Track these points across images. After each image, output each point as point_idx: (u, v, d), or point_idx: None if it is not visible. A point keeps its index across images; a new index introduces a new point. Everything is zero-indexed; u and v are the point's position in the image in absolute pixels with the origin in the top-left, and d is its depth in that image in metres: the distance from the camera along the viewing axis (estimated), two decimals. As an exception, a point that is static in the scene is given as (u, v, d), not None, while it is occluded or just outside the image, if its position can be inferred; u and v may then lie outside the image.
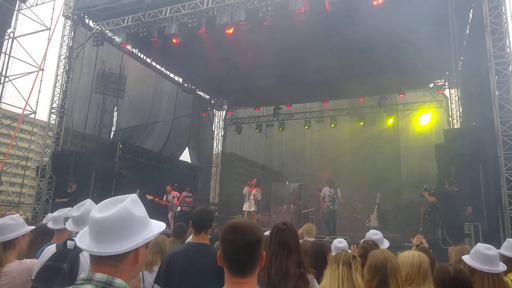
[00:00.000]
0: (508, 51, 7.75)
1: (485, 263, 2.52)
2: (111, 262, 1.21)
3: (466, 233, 7.33)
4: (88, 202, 2.40)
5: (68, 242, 2.14)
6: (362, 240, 3.72)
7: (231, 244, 1.43)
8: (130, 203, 1.27)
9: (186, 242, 3.09)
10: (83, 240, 1.25)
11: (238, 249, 1.41)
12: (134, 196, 1.31)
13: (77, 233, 2.20)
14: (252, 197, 11.35)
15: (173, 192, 12.05)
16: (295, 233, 2.61)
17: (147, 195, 11.38)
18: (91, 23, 12.91)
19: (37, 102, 12.81)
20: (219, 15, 10.24)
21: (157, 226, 1.34)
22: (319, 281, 2.62)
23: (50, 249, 2.30)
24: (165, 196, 11.99)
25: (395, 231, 10.91)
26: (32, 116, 13.07)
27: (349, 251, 3.15)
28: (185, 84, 17.35)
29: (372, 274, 2.27)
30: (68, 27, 12.72)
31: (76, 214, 2.33)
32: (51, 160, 11.96)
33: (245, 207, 11.28)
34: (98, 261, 1.22)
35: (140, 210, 1.30)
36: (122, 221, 1.23)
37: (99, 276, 1.19)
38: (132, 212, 1.26)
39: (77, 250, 2.08)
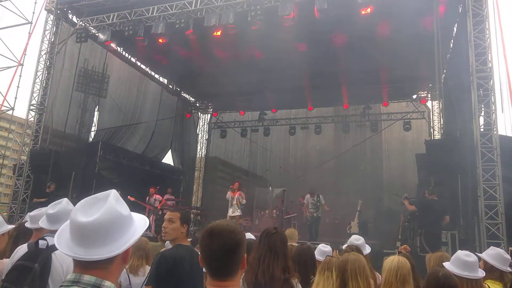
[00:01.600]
0: (490, 65, 7.95)
1: (465, 269, 2.57)
2: (101, 266, 1.15)
3: (443, 241, 7.47)
4: (65, 201, 2.35)
5: (40, 241, 2.08)
6: (345, 245, 3.75)
7: (207, 248, 1.40)
8: (114, 202, 1.20)
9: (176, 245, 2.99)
10: (63, 244, 1.17)
11: (214, 254, 1.39)
12: (115, 193, 1.24)
13: (50, 231, 2.20)
14: (235, 202, 11.26)
15: (155, 195, 11.83)
16: (285, 238, 2.63)
17: (129, 197, 11.14)
18: (74, 19, 12.60)
19: (16, 98, 12.39)
20: (207, 16, 10.18)
21: (141, 222, 1.29)
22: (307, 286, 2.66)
23: (22, 249, 2.24)
24: (147, 198, 11.75)
25: (375, 238, 11.01)
26: (10, 112, 12.64)
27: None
28: (170, 86, 17.19)
29: (336, 273, 2.36)
30: (50, 22, 12.39)
31: (52, 211, 2.27)
32: (29, 159, 11.61)
33: (230, 212, 11.18)
34: (86, 265, 1.15)
35: (124, 207, 1.24)
36: (110, 223, 1.16)
37: (87, 278, 1.14)
38: (119, 212, 1.19)
39: (50, 249, 2.03)
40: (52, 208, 2.29)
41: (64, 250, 1.16)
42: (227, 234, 1.40)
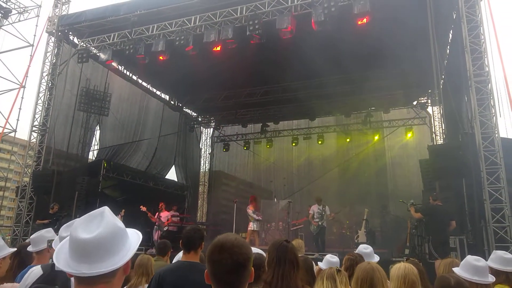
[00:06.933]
0: (487, 69, 7.99)
1: (475, 274, 2.55)
2: (105, 279, 1.18)
3: (452, 247, 7.39)
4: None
5: None
6: (348, 253, 3.75)
7: (218, 264, 1.37)
8: (111, 216, 1.25)
9: (176, 260, 3.08)
10: (64, 263, 1.19)
11: (227, 270, 1.36)
12: (108, 209, 1.29)
13: None
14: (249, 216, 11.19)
15: (165, 211, 11.77)
16: (296, 249, 2.60)
17: (141, 206, 11.12)
18: (75, 40, 12.81)
19: (18, 120, 12.46)
20: (207, 32, 10.33)
21: (134, 234, 1.33)
22: None
23: (35, 271, 2.22)
24: (156, 214, 11.66)
25: (383, 246, 10.90)
26: (12, 134, 12.73)
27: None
28: (171, 102, 17.32)
29: (360, 282, 2.29)
30: (51, 44, 12.60)
31: (65, 234, 2.21)
32: (32, 180, 11.61)
33: (250, 227, 11.09)
34: (90, 281, 1.17)
35: (119, 221, 1.28)
36: (111, 237, 1.21)
37: None
38: (117, 225, 1.24)
39: None
40: (65, 231, 2.25)
41: (65, 269, 1.18)
42: (238, 249, 1.39)
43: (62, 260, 1.21)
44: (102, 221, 1.21)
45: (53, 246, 2.34)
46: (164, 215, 11.65)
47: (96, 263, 1.16)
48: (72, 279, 1.95)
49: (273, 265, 2.31)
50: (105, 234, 1.19)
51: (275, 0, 9.81)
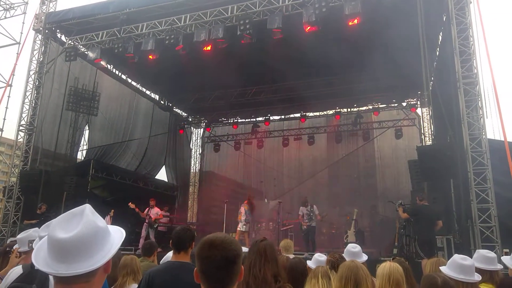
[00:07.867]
0: (476, 71, 8.08)
1: (461, 273, 2.56)
2: (84, 279, 1.15)
3: (439, 246, 7.47)
4: None
5: None
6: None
7: (208, 260, 1.36)
8: (91, 215, 1.21)
9: (165, 261, 3.10)
10: (42, 263, 1.16)
11: (216, 266, 1.36)
12: (90, 207, 1.25)
13: None
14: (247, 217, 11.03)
15: (156, 208, 11.60)
16: (273, 245, 2.62)
17: (129, 203, 10.97)
18: (63, 38, 12.60)
19: (4, 119, 12.20)
20: (197, 32, 10.26)
21: (118, 233, 1.29)
22: None
23: (15, 271, 2.22)
24: (146, 209, 11.46)
25: (372, 246, 10.98)
26: (-1, 134, 12.45)
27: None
28: (161, 102, 17.17)
29: (344, 281, 2.31)
30: (38, 42, 12.39)
31: (44, 234, 2.19)
32: (19, 180, 11.46)
33: (239, 227, 10.92)
34: (69, 281, 1.14)
35: (100, 220, 1.24)
36: (90, 237, 1.17)
37: None
38: (97, 224, 1.20)
39: None
40: (45, 230, 2.20)
41: (44, 268, 1.15)
42: (227, 245, 1.39)
43: (41, 259, 1.17)
44: (81, 220, 1.17)
45: (33, 246, 2.29)
46: (155, 211, 11.49)
47: (74, 263, 1.13)
48: (51, 277, 1.95)
49: (246, 259, 2.38)
50: (83, 234, 1.15)
51: (266, 0, 9.82)
